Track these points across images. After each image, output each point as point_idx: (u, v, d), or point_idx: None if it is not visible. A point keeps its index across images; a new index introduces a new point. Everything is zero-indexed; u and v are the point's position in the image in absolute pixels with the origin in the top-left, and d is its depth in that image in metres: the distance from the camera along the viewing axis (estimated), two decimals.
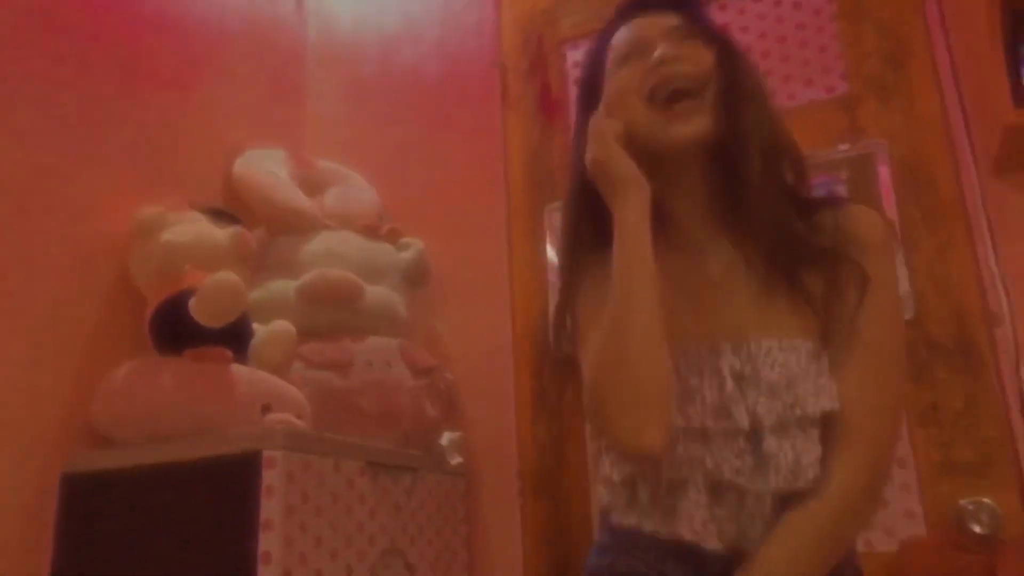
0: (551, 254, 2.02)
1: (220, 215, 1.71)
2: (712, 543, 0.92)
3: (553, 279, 1.99)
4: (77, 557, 1.48)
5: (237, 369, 1.56)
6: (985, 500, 1.50)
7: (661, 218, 1.00)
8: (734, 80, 0.95)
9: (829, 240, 0.93)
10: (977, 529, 1.46)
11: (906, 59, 1.79)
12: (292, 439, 1.45)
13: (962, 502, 1.51)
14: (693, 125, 0.94)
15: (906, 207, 1.71)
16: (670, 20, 1.01)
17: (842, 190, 1.78)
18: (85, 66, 1.67)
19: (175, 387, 1.51)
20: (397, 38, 2.34)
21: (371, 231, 1.91)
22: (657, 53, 0.96)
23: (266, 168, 1.92)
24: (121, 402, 1.53)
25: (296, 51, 2.33)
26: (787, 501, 0.91)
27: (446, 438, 1.86)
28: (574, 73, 2.13)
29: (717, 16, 1.97)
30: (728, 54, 0.98)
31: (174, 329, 1.56)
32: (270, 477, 1.40)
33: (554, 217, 2.02)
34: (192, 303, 1.53)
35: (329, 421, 1.66)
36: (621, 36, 1.03)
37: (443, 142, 2.20)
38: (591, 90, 1.05)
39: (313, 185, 1.97)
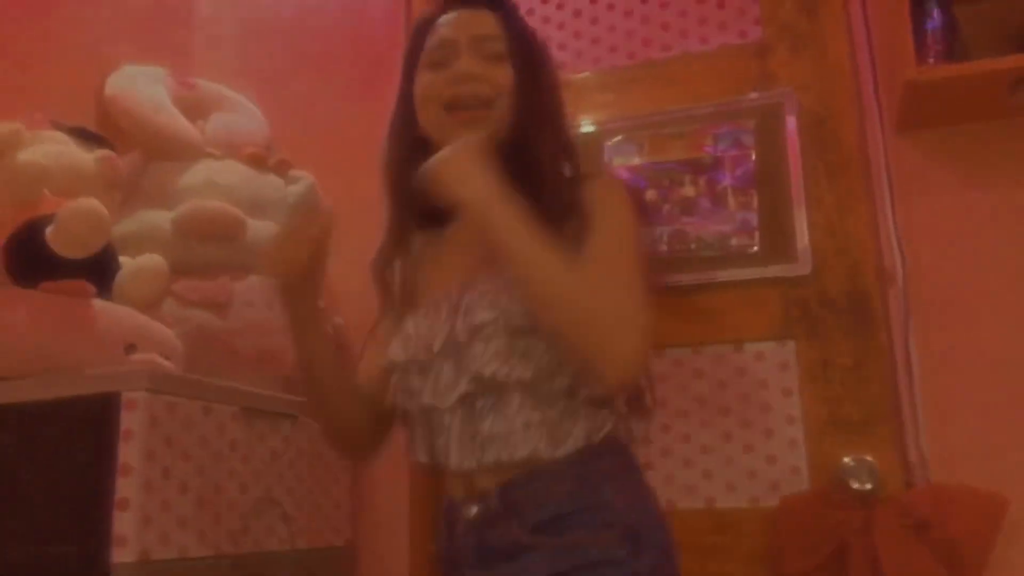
0: None
1: (86, 136, 1.58)
2: (421, 458, 1.07)
3: None
4: None
5: (99, 305, 1.45)
6: (867, 458, 1.50)
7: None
8: (529, 95, 1.11)
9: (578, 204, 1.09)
10: (856, 486, 1.47)
11: (820, 7, 1.74)
12: (155, 380, 1.35)
13: (845, 459, 1.51)
14: (474, 133, 1.07)
15: (810, 159, 1.68)
16: (481, 23, 1.14)
17: (748, 139, 1.74)
18: None
19: (29, 322, 1.40)
20: None
21: (257, 161, 1.79)
22: (459, 69, 1.10)
23: (143, 87, 1.77)
24: None
25: None
26: (476, 414, 1.01)
27: None
28: None
29: None
30: (527, 68, 1.13)
31: (29, 259, 1.43)
32: (129, 420, 1.30)
33: None
34: (49, 231, 1.41)
35: (204, 363, 1.56)
36: (435, 35, 1.16)
37: (341, 72, 2.08)
38: (410, 67, 1.20)
39: (195, 108, 1.83)
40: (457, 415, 1.02)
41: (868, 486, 1.47)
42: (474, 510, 1.01)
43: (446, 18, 1.16)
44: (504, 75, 1.12)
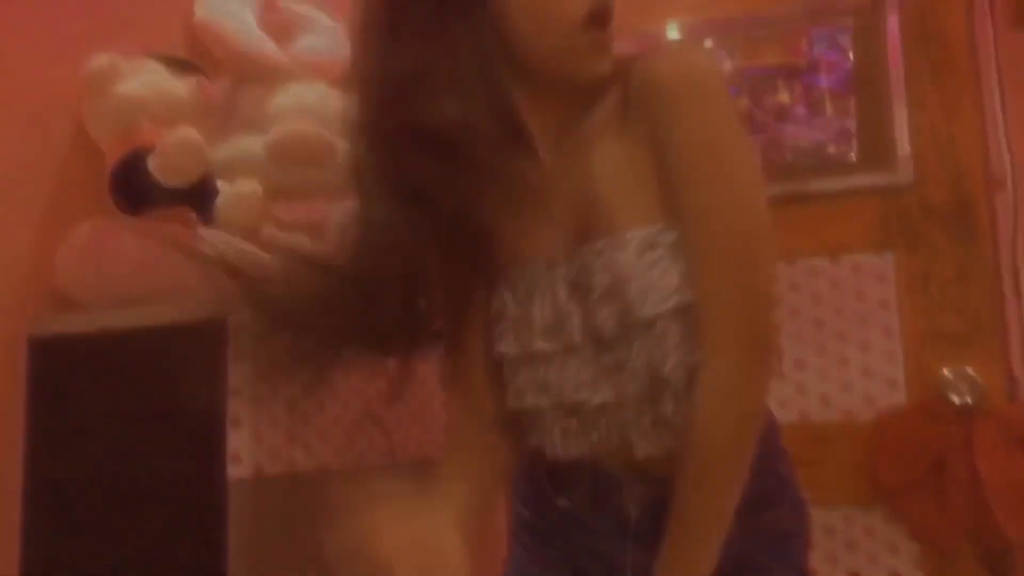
0: None
1: (179, 64, 1.60)
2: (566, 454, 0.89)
3: None
4: (48, 420, 1.48)
5: (202, 231, 1.50)
6: (968, 370, 1.47)
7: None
8: None
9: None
10: (956, 400, 1.44)
11: None
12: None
13: (944, 371, 1.48)
14: (610, 57, 0.82)
15: (913, 59, 1.60)
16: None
17: (846, 40, 1.66)
18: None
19: (138, 250, 1.46)
20: None
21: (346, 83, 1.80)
22: None
23: (230, 11, 1.78)
24: (84, 265, 1.48)
25: None
26: (654, 399, 0.82)
27: None
28: None
29: None
30: None
31: (134, 189, 1.49)
32: (237, 342, 1.37)
33: None
34: (151, 161, 1.46)
35: None
36: None
37: None
38: None
39: (282, 31, 1.84)
40: (635, 408, 0.83)
41: (968, 399, 1.44)
42: (644, 490, 0.87)
43: None
44: None
